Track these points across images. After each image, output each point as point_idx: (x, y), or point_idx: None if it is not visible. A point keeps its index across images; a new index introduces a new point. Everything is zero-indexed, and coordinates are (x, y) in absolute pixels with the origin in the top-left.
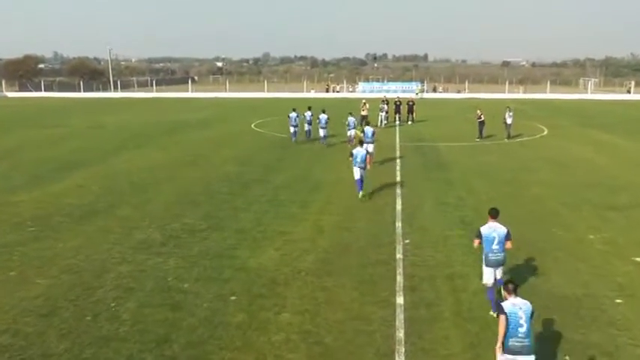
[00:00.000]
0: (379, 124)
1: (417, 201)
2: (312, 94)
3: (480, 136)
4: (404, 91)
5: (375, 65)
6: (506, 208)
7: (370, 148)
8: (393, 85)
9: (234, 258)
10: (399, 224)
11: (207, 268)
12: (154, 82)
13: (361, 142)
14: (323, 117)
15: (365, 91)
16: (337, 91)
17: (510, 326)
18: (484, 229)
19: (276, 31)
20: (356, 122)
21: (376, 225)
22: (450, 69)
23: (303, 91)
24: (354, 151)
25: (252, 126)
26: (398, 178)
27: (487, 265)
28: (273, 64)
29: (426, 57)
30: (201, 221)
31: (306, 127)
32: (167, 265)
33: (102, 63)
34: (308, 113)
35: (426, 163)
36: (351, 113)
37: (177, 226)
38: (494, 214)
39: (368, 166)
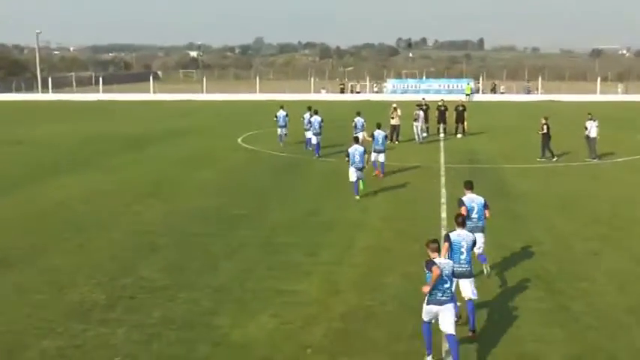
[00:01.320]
0: (416, 138)
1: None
2: (323, 95)
3: (543, 154)
4: (450, 92)
5: (410, 55)
6: (607, 258)
7: (381, 157)
8: (434, 83)
9: (212, 328)
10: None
11: (172, 342)
12: (100, 79)
13: (356, 139)
14: (316, 120)
15: (396, 91)
16: (357, 92)
17: (453, 254)
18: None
19: (272, 8)
20: (365, 125)
21: (412, 281)
22: (516, 60)
23: (309, 91)
24: (350, 150)
25: (239, 141)
26: (443, 214)
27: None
28: (269, 53)
29: (481, 43)
30: (164, 275)
31: (308, 135)
32: (115, 337)
33: (26, 52)
34: (306, 116)
35: (482, 193)
36: (359, 113)
37: (130, 282)
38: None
39: (366, 165)
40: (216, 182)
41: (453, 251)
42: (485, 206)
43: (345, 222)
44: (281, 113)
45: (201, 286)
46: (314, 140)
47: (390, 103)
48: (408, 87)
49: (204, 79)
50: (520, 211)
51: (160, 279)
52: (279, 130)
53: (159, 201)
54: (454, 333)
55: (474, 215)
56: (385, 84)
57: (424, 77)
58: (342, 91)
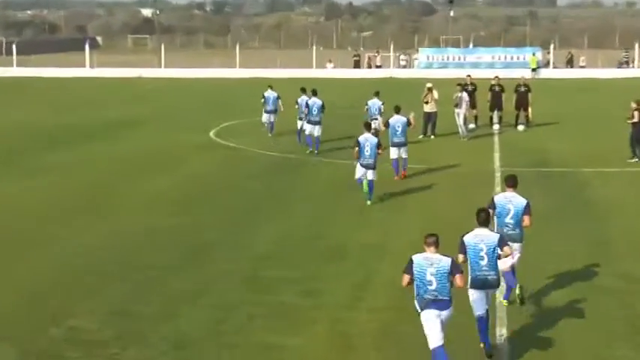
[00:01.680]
0: (459, 130)
1: (538, 281)
2: (330, 72)
3: (634, 153)
4: (507, 66)
5: (452, 14)
6: None
7: (403, 153)
8: (486, 54)
9: None
10: (502, 331)
11: None
12: (12, 47)
13: (368, 125)
14: (316, 102)
15: (431, 65)
16: (377, 66)
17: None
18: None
19: None
20: (382, 109)
21: (458, 332)
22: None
23: (311, 66)
24: (361, 139)
25: (212, 135)
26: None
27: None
28: (253, 12)
29: None
30: (104, 324)
31: (300, 123)
32: None
33: None
34: (302, 99)
35: (555, 208)
36: (377, 93)
37: (56, 335)
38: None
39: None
40: (178, 193)
41: (470, 258)
42: (526, 211)
43: (358, 247)
44: (270, 94)
45: (156, 339)
46: (315, 132)
47: (422, 81)
48: (448, 59)
49: (163, 48)
50: (607, 233)
51: (99, 330)
52: (264, 116)
53: (97, 219)
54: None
55: (509, 220)
56: (416, 55)
57: (471, 45)
58: (357, 64)
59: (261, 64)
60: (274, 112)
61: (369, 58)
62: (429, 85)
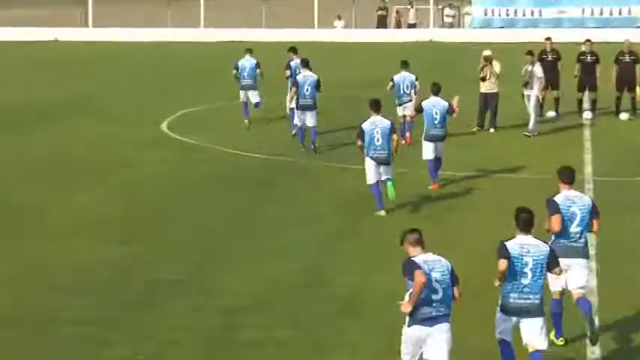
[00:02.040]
0: (531, 122)
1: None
2: (339, 32)
3: None
4: (604, 24)
5: None
6: None
7: (440, 145)
8: (571, 6)
9: None
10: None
11: None
12: None
13: (375, 104)
14: (309, 78)
15: (490, 22)
16: (410, 24)
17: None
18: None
19: None
20: (417, 86)
21: None
22: None
23: (312, 25)
24: (367, 125)
25: (164, 127)
26: (593, 282)
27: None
28: None
29: None
30: None
31: (291, 104)
32: None
33: None
34: (297, 62)
35: None
36: (405, 64)
37: None
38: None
39: (395, 154)
40: (118, 211)
41: (509, 273)
42: (594, 213)
43: (375, 295)
44: (247, 62)
45: None
46: (308, 120)
47: (477, 48)
48: (516, 14)
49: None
50: None
51: None
52: (241, 94)
53: (5, 248)
54: None
55: (574, 229)
56: (468, 8)
57: None
58: (382, 22)
59: (238, 21)
60: (252, 87)
61: (399, 12)
62: (486, 53)
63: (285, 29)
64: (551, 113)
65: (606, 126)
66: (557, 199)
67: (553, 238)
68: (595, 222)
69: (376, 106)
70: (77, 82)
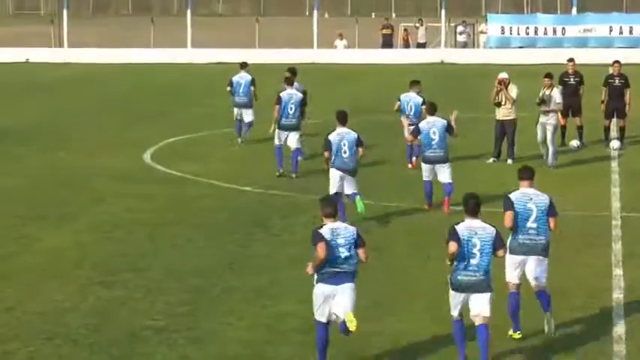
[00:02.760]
0: (549, 151)
1: None
2: (341, 53)
3: None
4: (634, 45)
5: None
6: None
7: (445, 174)
8: (597, 24)
9: None
10: None
11: None
12: None
13: (342, 116)
14: (293, 96)
15: (508, 41)
16: (420, 43)
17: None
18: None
19: None
20: (421, 110)
21: None
22: None
23: (311, 45)
24: (334, 137)
25: (147, 157)
26: (620, 348)
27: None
28: None
29: None
30: None
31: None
32: None
33: None
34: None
35: None
36: (415, 84)
37: None
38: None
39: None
40: (91, 252)
41: (460, 253)
42: (551, 211)
43: (380, 340)
44: (242, 79)
45: None
46: (291, 141)
47: (493, 69)
48: (536, 33)
49: (65, 16)
50: None
51: None
52: (235, 111)
53: None
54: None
55: (531, 225)
56: (483, 26)
57: (574, 10)
58: (388, 41)
59: (229, 41)
60: (247, 105)
61: (406, 31)
62: (501, 75)
63: (281, 49)
64: (574, 143)
65: (636, 156)
66: (513, 195)
67: (511, 234)
68: (552, 220)
69: (342, 118)
70: (48, 108)
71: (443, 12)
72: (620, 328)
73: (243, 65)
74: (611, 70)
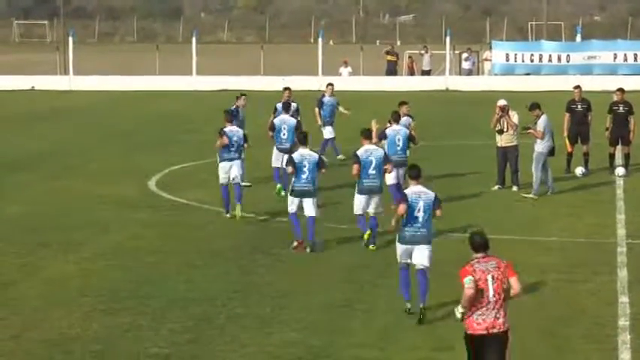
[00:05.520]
0: (534, 178)
1: None
2: (346, 80)
3: None
4: (636, 73)
5: None
6: None
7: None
8: (602, 51)
9: None
10: None
11: None
12: None
13: (302, 137)
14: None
15: (513, 68)
16: (425, 70)
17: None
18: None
19: None
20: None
21: None
22: None
23: (315, 72)
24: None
25: (152, 184)
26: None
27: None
28: None
29: None
30: None
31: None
32: None
33: None
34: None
35: None
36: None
37: None
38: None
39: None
40: (95, 280)
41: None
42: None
43: None
44: (238, 107)
45: None
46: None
47: (496, 97)
48: (541, 60)
49: (70, 43)
50: None
51: None
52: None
53: None
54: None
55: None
56: (487, 54)
57: (579, 37)
58: (392, 68)
59: (234, 67)
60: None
61: (411, 58)
62: (502, 102)
63: (286, 77)
64: (579, 169)
65: None
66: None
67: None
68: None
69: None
70: (53, 135)
71: (447, 39)
72: (626, 355)
73: (242, 96)
74: (615, 98)
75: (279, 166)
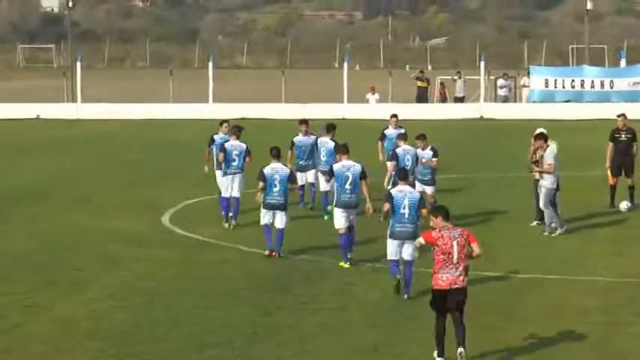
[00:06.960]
0: (545, 214)
1: None
2: (373, 108)
3: None
4: None
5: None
6: None
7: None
8: None
9: None
10: None
11: None
12: None
13: (276, 152)
14: (302, 143)
15: (552, 95)
16: (458, 98)
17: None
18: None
19: None
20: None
21: None
22: None
23: (341, 99)
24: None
25: (165, 219)
26: None
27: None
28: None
29: None
30: None
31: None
32: None
33: None
34: (301, 141)
35: None
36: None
37: None
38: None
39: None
40: (104, 322)
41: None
42: (420, 204)
43: None
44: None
45: None
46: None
47: (535, 125)
48: (582, 87)
49: (78, 68)
50: None
51: None
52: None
53: None
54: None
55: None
56: (525, 80)
57: (623, 62)
58: (422, 95)
59: (253, 94)
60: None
61: (443, 84)
62: (539, 130)
63: (308, 104)
64: (624, 204)
65: None
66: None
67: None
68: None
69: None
70: (61, 166)
71: (482, 64)
72: None
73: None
74: (619, 123)
75: (302, 183)
